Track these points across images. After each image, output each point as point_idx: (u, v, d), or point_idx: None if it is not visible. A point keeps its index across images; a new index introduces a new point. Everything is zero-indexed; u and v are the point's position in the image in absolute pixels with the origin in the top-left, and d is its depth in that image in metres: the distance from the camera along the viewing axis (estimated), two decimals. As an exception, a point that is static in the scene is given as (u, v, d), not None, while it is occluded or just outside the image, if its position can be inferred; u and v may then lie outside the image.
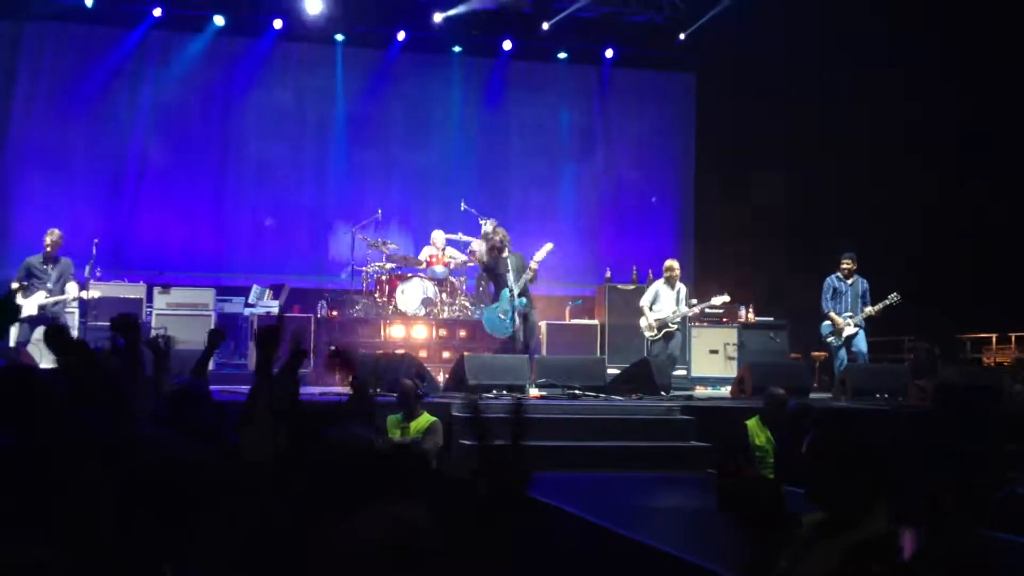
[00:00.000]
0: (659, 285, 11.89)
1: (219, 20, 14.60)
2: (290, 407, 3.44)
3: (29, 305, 10.69)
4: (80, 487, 2.34)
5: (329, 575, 1.42)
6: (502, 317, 10.78)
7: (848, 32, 13.35)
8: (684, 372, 12.47)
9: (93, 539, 2.15)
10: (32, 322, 10.59)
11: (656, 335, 11.71)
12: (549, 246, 10.89)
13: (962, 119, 12.59)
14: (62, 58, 14.37)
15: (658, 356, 11.45)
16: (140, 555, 2.12)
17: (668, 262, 11.96)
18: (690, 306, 11.89)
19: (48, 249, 10.85)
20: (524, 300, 10.73)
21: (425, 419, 7.95)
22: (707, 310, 12.58)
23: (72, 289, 11.02)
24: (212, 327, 5.14)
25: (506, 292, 10.74)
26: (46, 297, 10.78)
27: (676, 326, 11.73)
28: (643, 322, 11.86)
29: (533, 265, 10.69)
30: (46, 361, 8.13)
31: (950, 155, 12.83)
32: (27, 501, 2.33)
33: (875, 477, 2.81)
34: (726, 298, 12.08)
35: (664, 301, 11.74)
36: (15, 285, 10.70)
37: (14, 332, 11.15)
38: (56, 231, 10.93)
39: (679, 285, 11.82)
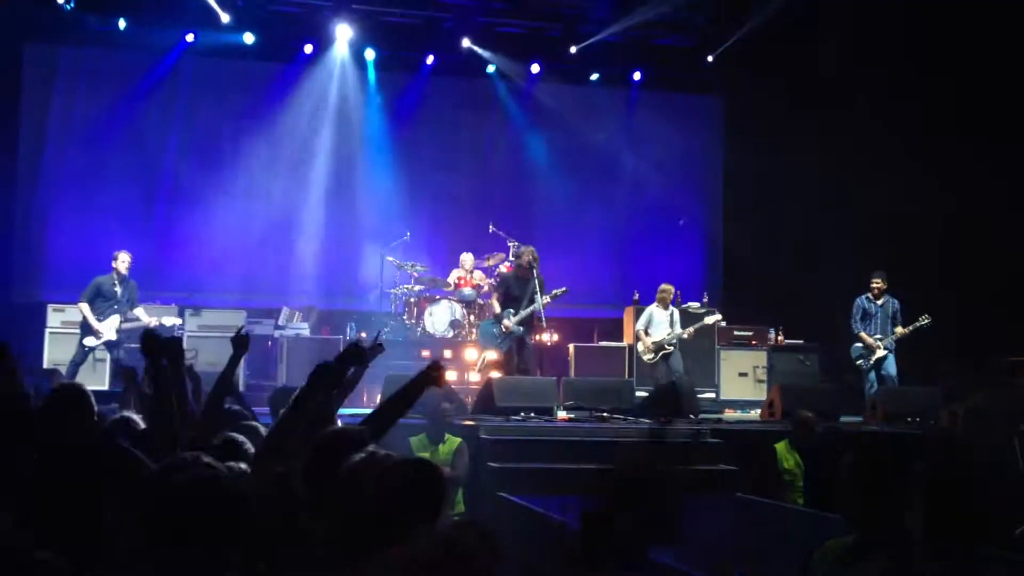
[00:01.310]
0: (652, 309, 12.09)
1: (248, 38, 14.70)
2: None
3: (107, 329, 10.95)
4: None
5: None
6: (496, 334, 10.85)
7: (879, 50, 13.30)
8: (713, 395, 12.42)
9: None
10: (109, 345, 10.97)
11: (654, 358, 11.90)
12: (563, 290, 11.01)
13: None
14: (96, 82, 14.58)
15: (660, 380, 11.50)
16: None
17: (663, 286, 12.22)
18: (684, 328, 12.02)
19: (121, 270, 11.10)
20: (521, 329, 10.75)
21: (452, 441, 7.96)
22: (736, 332, 12.81)
23: (143, 314, 11.20)
24: (234, 333, 4.74)
25: (509, 312, 10.78)
26: (121, 321, 11.01)
27: (672, 348, 11.88)
28: (640, 347, 12.07)
29: (546, 299, 10.72)
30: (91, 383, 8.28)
31: (985, 173, 12.73)
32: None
33: (909, 493, 2.80)
34: (718, 317, 12.32)
35: (658, 324, 11.96)
36: (83, 304, 10.99)
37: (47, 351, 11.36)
38: (126, 253, 11.22)
39: (671, 308, 12.04)
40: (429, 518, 2.14)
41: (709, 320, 12.15)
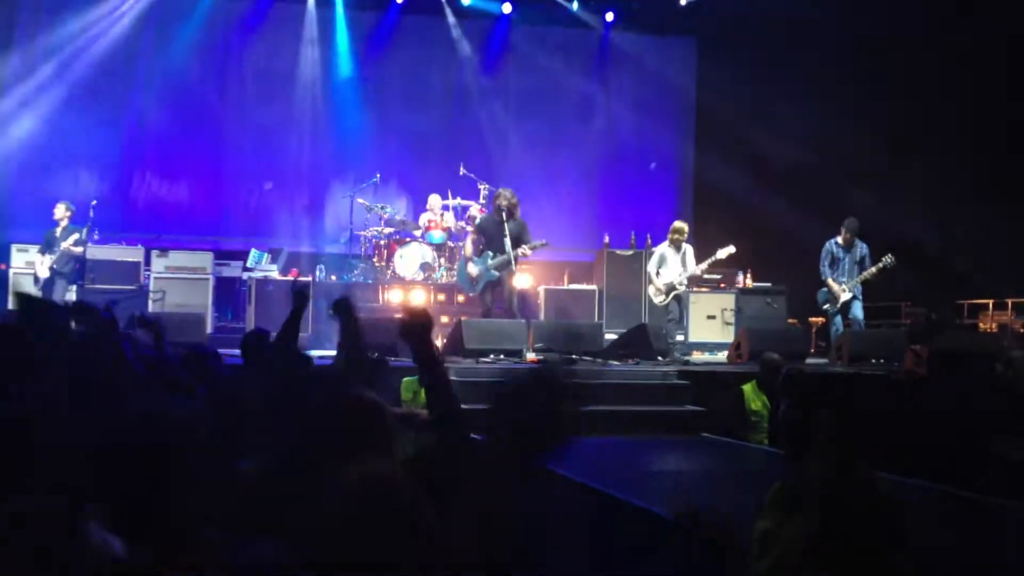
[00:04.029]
0: (664, 248, 11.43)
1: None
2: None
3: (40, 270, 11.61)
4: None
5: (307, 533, 1.44)
6: (472, 275, 10.86)
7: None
8: (682, 337, 12.49)
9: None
10: (45, 284, 11.54)
11: (666, 299, 11.28)
12: (543, 243, 10.92)
13: (968, 81, 12.53)
14: (60, 19, 14.24)
15: (671, 318, 11.21)
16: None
17: (676, 224, 11.50)
18: (698, 263, 11.38)
19: (57, 218, 11.76)
20: (495, 273, 10.75)
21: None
22: (709, 269, 11.91)
23: (68, 242, 11.63)
24: (296, 284, 4.75)
25: (487, 255, 10.77)
26: (50, 258, 11.62)
27: (683, 288, 11.36)
28: (651, 288, 11.50)
29: (525, 251, 10.67)
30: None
31: (951, 116, 12.79)
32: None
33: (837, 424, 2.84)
34: (731, 249, 11.40)
35: (670, 264, 11.30)
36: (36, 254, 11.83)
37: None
38: (61, 203, 11.86)
39: (685, 247, 11.36)
40: (370, 450, 2.18)
41: (722, 254, 11.35)
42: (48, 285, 11.57)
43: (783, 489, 2.91)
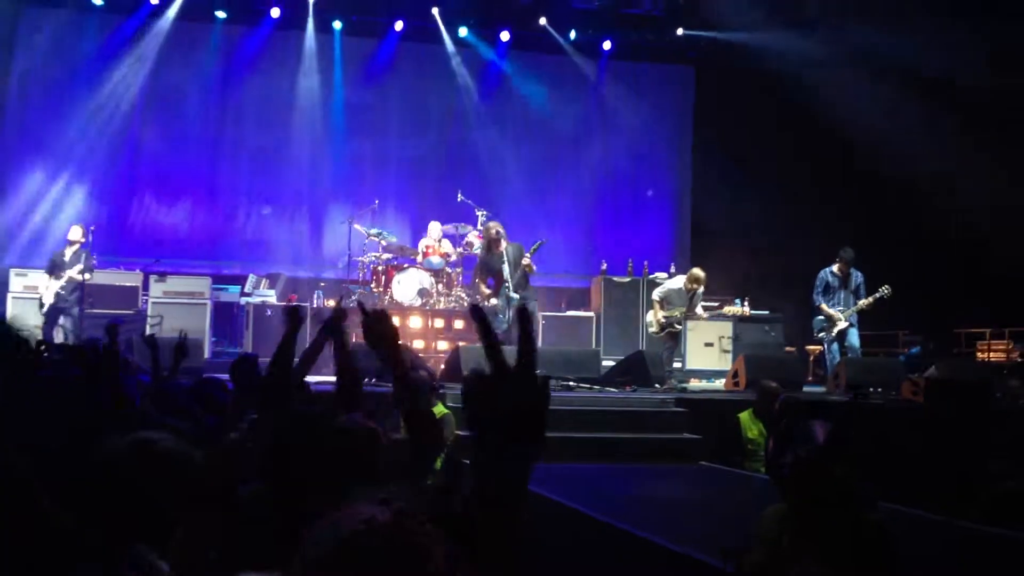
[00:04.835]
0: (675, 287, 11.24)
1: (220, 15, 14.66)
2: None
3: (47, 294, 11.52)
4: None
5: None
6: (499, 315, 10.78)
7: (849, 25, 13.35)
8: (679, 364, 12.48)
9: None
10: (52, 310, 11.51)
11: (659, 333, 11.20)
12: (541, 241, 10.95)
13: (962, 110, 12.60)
14: (58, 43, 14.34)
15: (672, 352, 11.18)
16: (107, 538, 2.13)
17: (696, 272, 11.12)
18: (705, 308, 11.37)
19: (72, 239, 11.70)
20: (517, 296, 10.72)
21: (439, 411, 7.94)
22: (704, 305, 11.74)
23: (73, 272, 11.51)
24: (290, 306, 4.51)
25: (504, 289, 10.76)
26: (59, 285, 11.52)
27: (680, 327, 11.31)
28: (650, 316, 11.37)
29: (526, 261, 10.70)
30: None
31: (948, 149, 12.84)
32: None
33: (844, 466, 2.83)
34: (737, 309, 11.62)
35: (674, 304, 11.13)
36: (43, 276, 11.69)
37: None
38: (76, 226, 11.92)
39: (698, 293, 11.12)
40: (362, 481, 2.15)
41: (728, 311, 11.53)
42: (53, 313, 11.48)
43: (777, 513, 2.91)
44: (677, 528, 5.14)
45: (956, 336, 13.56)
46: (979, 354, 13.25)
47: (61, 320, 11.57)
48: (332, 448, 2.50)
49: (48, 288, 11.51)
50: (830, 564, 2.55)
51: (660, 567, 4.60)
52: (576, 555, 5.40)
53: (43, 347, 4.31)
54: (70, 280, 11.51)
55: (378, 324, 2.66)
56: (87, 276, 11.56)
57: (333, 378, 3.82)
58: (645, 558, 4.66)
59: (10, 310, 11.83)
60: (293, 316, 4.10)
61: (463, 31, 15.56)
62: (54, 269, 11.54)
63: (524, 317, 1.80)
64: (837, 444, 2.84)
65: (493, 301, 10.83)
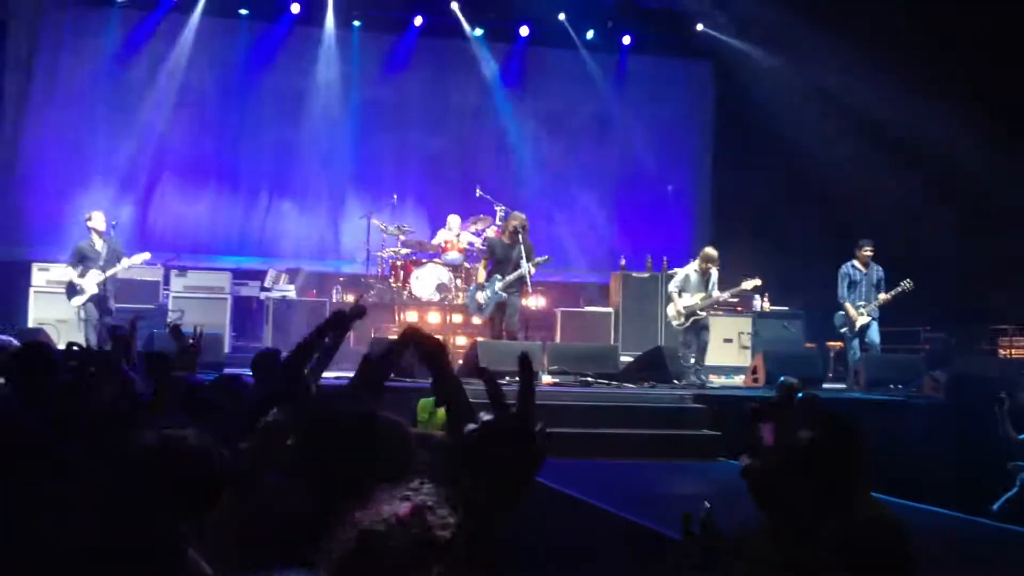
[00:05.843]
0: (690, 270, 11.17)
1: (243, 12, 14.74)
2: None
3: (88, 284, 11.04)
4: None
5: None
6: (480, 301, 10.88)
7: (870, 16, 13.27)
8: (695, 360, 12.44)
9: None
10: (93, 300, 11.00)
11: (684, 323, 11.04)
12: (546, 257, 11.00)
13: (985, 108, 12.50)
14: (81, 38, 14.41)
15: (690, 347, 11.06)
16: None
17: (708, 251, 11.15)
18: (722, 291, 11.19)
19: (98, 229, 11.14)
20: (502, 294, 10.76)
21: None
22: (733, 297, 11.78)
23: (125, 260, 11.22)
24: (356, 303, 4.45)
25: (496, 279, 10.79)
26: (101, 274, 11.05)
27: (704, 314, 11.11)
28: (670, 310, 11.23)
29: (532, 270, 10.70)
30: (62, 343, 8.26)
31: (972, 144, 12.74)
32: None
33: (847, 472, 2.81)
34: (757, 282, 11.27)
35: (693, 287, 11.04)
36: (69, 269, 11.18)
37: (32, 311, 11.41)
38: (97, 212, 11.29)
39: (713, 272, 11.07)
40: (387, 478, 2.15)
41: (747, 285, 11.19)
42: (102, 301, 11.02)
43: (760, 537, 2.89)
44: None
45: (978, 333, 13.44)
46: (1001, 351, 13.14)
47: (102, 317, 11.08)
48: (357, 442, 2.49)
49: (88, 280, 10.97)
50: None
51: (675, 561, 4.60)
52: (593, 550, 5.41)
53: (74, 347, 4.37)
54: (121, 270, 11.18)
55: (438, 354, 2.77)
56: (135, 259, 11.27)
57: (337, 373, 3.82)
58: (662, 553, 4.66)
59: (32, 305, 11.85)
60: (353, 317, 4.00)
61: (478, 31, 15.55)
62: (84, 260, 11.06)
63: (526, 366, 1.83)
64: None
65: (480, 296, 10.95)
